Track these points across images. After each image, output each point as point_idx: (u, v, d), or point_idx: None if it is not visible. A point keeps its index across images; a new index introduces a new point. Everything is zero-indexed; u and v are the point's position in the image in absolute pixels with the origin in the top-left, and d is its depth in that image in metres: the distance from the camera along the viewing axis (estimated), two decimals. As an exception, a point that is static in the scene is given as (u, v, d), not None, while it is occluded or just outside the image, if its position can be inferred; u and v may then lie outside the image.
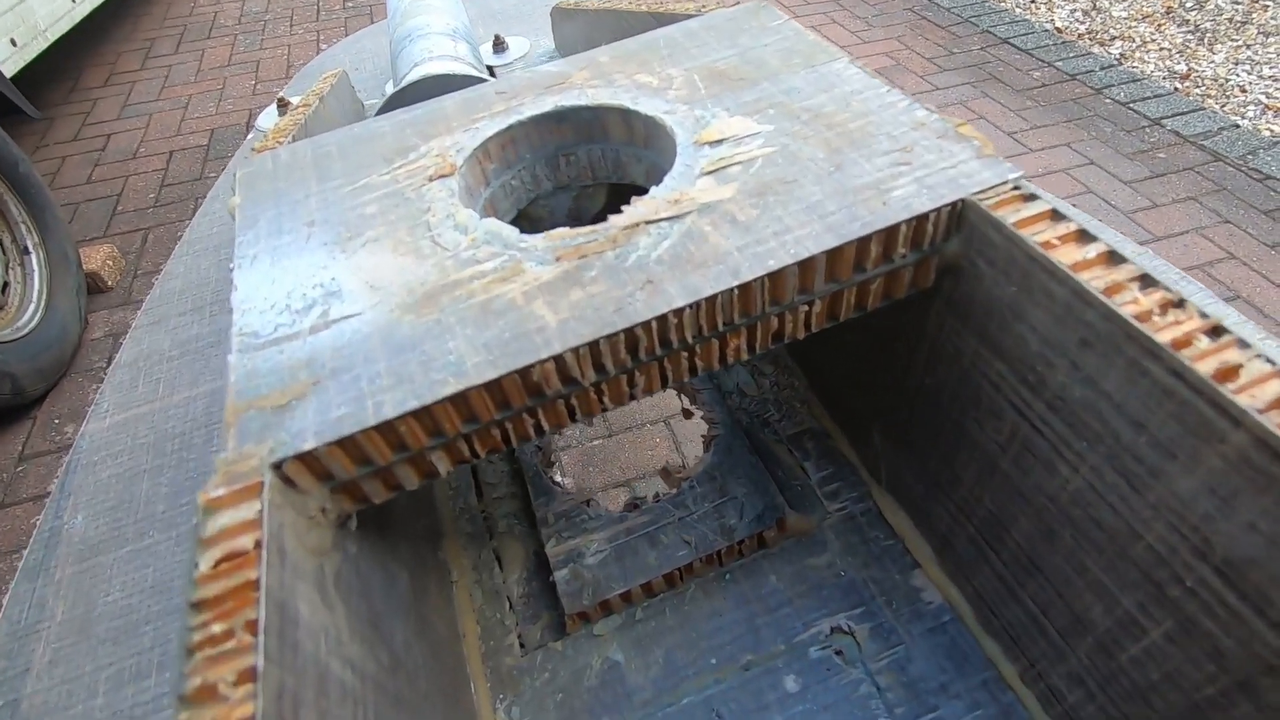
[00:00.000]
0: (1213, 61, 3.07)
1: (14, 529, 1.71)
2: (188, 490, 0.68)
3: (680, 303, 0.34)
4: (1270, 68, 3.00)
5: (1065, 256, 0.33)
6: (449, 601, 0.55)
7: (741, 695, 0.49)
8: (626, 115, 0.49)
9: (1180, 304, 0.30)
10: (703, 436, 0.63)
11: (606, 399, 0.37)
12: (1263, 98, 2.81)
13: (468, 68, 0.83)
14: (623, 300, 0.35)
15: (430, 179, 0.45)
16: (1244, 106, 2.79)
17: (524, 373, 0.34)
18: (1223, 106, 2.80)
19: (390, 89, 0.91)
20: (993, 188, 0.37)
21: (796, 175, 0.40)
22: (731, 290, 0.35)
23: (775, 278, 0.36)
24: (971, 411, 0.43)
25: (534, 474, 0.61)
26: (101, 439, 0.73)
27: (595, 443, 1.69)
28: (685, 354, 0.37)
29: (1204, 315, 0.29)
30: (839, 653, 0.50)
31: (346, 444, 0.32)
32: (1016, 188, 0.37)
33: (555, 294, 0.36)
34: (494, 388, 0.34)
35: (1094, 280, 0.32)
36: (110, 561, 0.63)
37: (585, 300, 0.35)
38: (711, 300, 0.35)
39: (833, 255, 0.36)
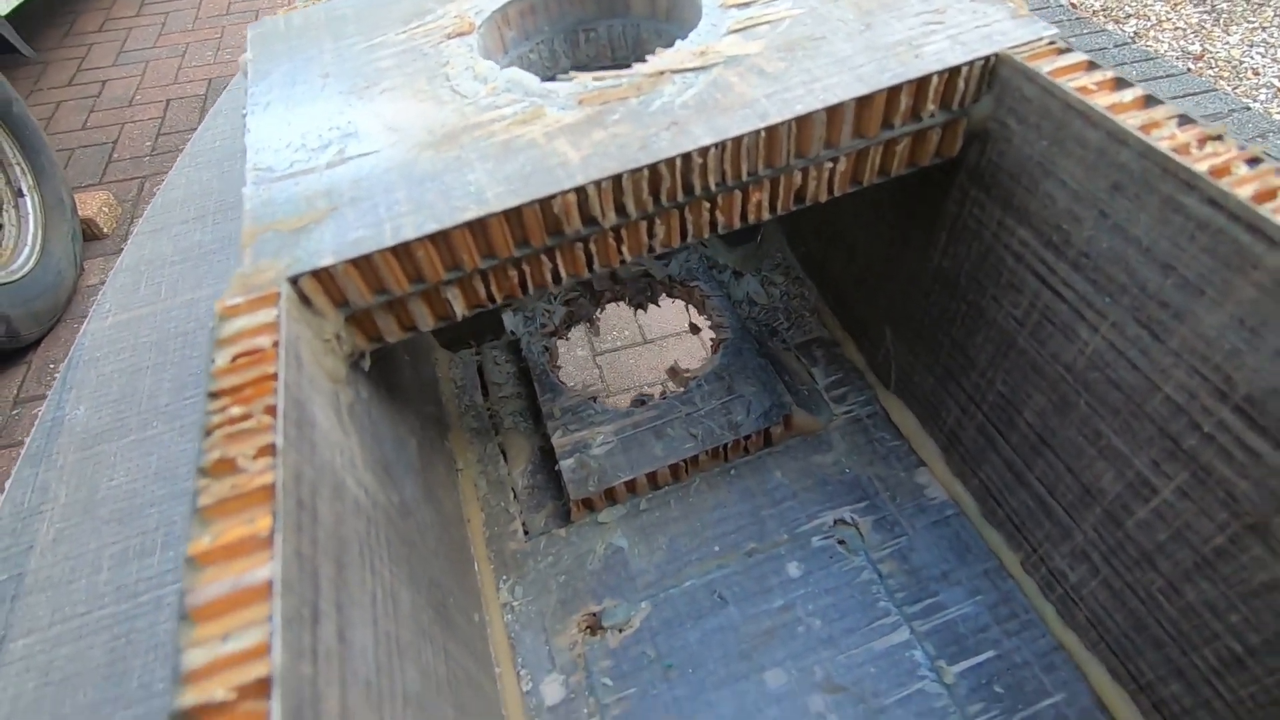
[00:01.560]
0: (1227, 43, 3.04)
1: (9, 471, 1.71)
2: (192, 385, 0.68)
3: (706, 141, 0.34)
4: (1285, 51, 2.97)
5: (1102, 101, 0.33)
6: (454, 486, 0.55)
7: (744, 579, 0.49)
8: (650, -15, 0.48)
9: (1219, 138, 0.30)
10: (711, 340, 0.63)
11: (625, 247, 0.37)
12: (1276, 81, 2.79)
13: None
14: (647, 139, 0.34)
15: (448, 36, 0.44)
16: (1256, 89, 2.77)
17: (545, 204, 0.33)
18: (1235, 89, 2.78)
19: None
20: (1027, 44, 0.37)
21: (826, 34, 0.39)
22: (758, 133, 0.34)
23: (802, 123, 0.35)
24: (990, 289, 0.42)
25: (541, 372, 0.61)
26: (104, 336, 0.73)
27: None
28: (707, 203, 0.37)
29: (1242, 147, 0.29)
30: (841, 542, 0.51)
31: (363, 265, 0.32)
32: (1052, 43, 0.36)
33: (578, 134, 0.35)
34: (514, 218, 0.33)
35: (1130, 120, 0.31)
36: (114, 450, 0.63)
37: (609, 139, 0.35)
38: (737, 141, 0.34)
39: (861, 104, 0.36)
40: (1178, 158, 0.29)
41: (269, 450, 0.24)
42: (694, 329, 0.70)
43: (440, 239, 0.32)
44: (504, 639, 0.48)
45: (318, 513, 0.26)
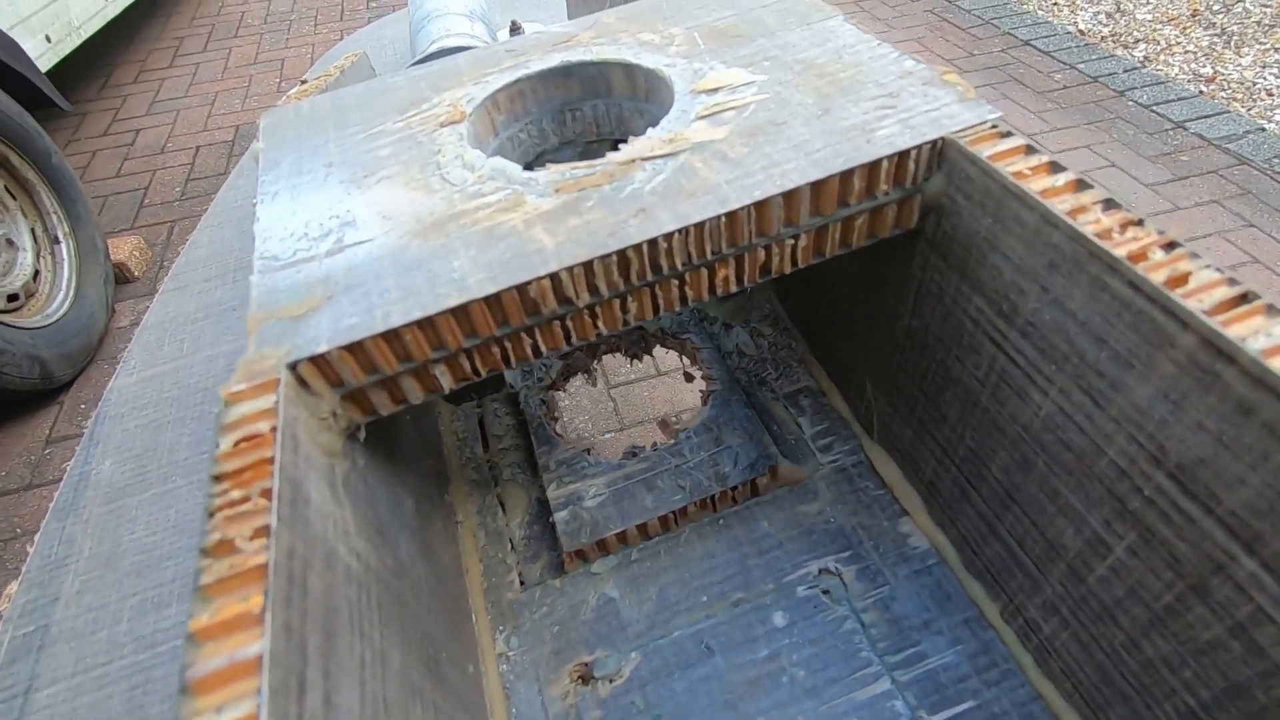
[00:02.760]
0: (1239, 65, 3.04)
1: (41, 510, 1.77)
2: (210, 440, 0.71)
3: (670, 228, 0.37)
4: (1298, 72, 2.96)
5: (1035, 184, 0.35)
6: (454, 539, 0.57)
7: (730, 629, 0.51)
8: (629, 70, 0.51)
9: (1139, 223, 0.32)
10: (701, 392, 0.65)
11: (601, 322, 0.40)
12: (1290, 101, 2.77)
13: (483, 42, 0.86)
14: (617, 226, 0.37)
15: (441, 125, 0.48)
16: (1271, 110, 2.76)
17: (522, 289, 0.36)
18: (1249, 110, 2.77)
19: (410, 66, 0.94)
20: (972, 127, 0.39)
21: (786, 118, 0.42)
22: (719, 218, 0.37)
23: (761, 207, 0.38)
24: (954, 350, 0.44)
25: (537, 424, 0.64)
26: (129, 393, 0.77)
27: (607, 436, 1.72)
28: (676, 281, 0.40)
29: (1160, 232, 0.31)
30: (826, 592, 0.52)
31: (355, 350, 0.35)
32: (994, 126, 0.39)
33: (554, 221, 0.38)
34: (494, 302, 0.36)
35: (1061, 204, 0.34)
36: (135, 504, 0.66)
37: (581, 226, 0.38)
38: (700, 226, 0.37)
39: (817, 187, 0.38)
40: (1100, 242, 0.31)
41: (264, 531, 0.27)
42: (688, 377, 0.72)
43: (426, 323, 0.35)
44: (499, 689, 0.50)
45: (308, 586, 0.28)
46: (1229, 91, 2.86)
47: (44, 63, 2.79)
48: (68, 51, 2.96)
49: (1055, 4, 3.60)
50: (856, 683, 0.48)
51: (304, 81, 1.05)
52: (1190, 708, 0.34)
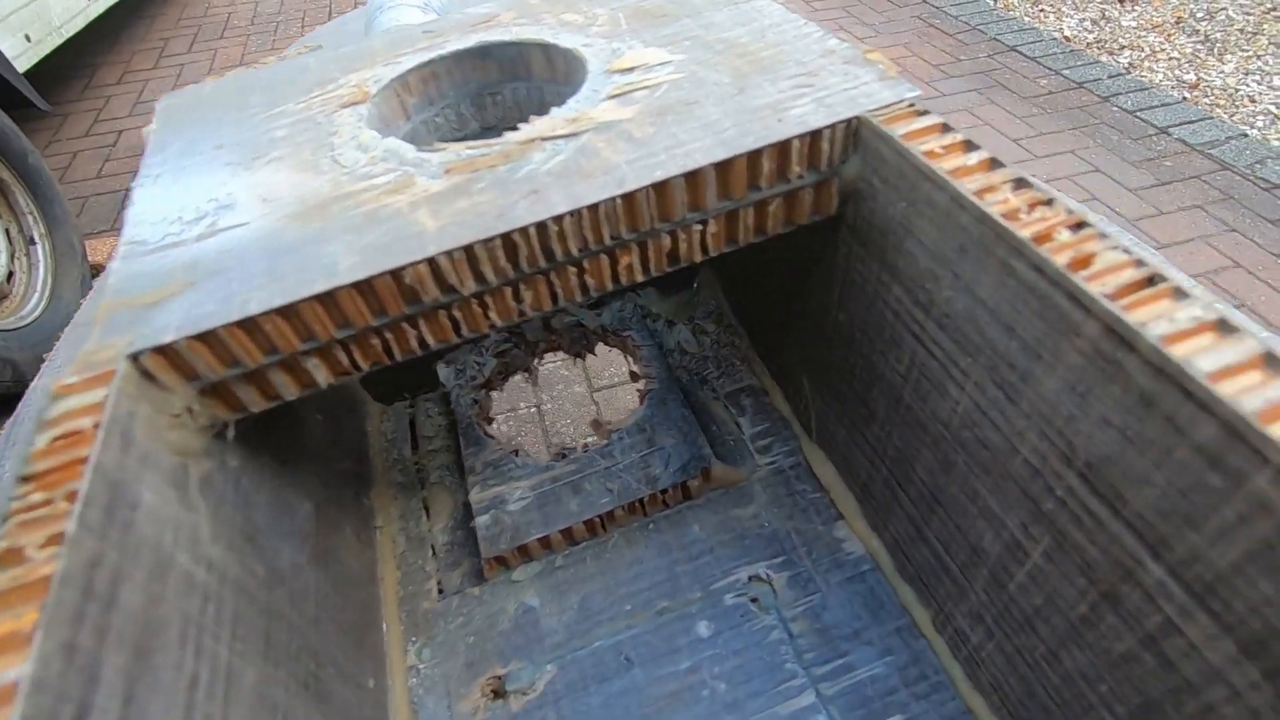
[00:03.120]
0: (1222, 71, 3.05)
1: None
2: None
3: (562, 209, 0.34)
4: (1280, 78, 2.97)
5: (947, 164, 0.32)
6: (369, 544, 0.54)
7: (653, 639, 0.48)
8: (547, 50, 0.49)
9: (1049, 202, 0.29)
10: (638, 390, 0.63)
11: (493, 313, 0.37)
12: (1273, 108, 2.78)
13: (431, 35, 0.83)
14: (506, 208, 0.35)
15: (343, 106, 0.45)
16: (1253, 116, 2.76)
17: (396, 275, 0.33)
18: (1231, 116, 2.77)
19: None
20: (888, 106, 0.37)
21: (699, 98, 0.40)
22: (614, 200, 0.35)
23: (661, 189, 0.35)
24: (878, 344, 0.42)
25: (467, 425, 0.61)
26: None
27: (591, 439, 1.69)
28: (574, 269, 0.37)
29: (1070, 212, 0.29)
30: (754, 600, 0.49)
31: (209, 339, 0.32)
32: (911, 105, 0.36)
33: (440, 203, 0.36)
34: (365, 290, 0.33)
35: (970, 184, 0.31)
36: None
37: (469, 209, 0.35)
38: (594, 209, 0.35)
39: (722, 169, 0.36)
40: (1005, 223, 0.29)
41: (58, 539, 0.24)
42: (634, 376, 0.70)
43: (290, 312, 0.33)
44: (405, 705, 0.47)
45: (117, 600, 0.25)
46: (1212, 98, 2.86)
47: (23, 62, 2.76)
48: (48, 51, 2.93)
49: (1041, 10, 3.61)
50: (780, 696, 0.45)
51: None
52: (1112, 727, 0.32)
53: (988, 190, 0.31)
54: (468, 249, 0.34)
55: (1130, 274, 0.26)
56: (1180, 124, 2.72)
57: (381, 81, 0.47)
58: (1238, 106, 2.80)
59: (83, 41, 3.49)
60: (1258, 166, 2.48)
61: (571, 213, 0.34)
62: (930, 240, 0.34)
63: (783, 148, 0.36)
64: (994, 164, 0.32)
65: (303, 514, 0.43)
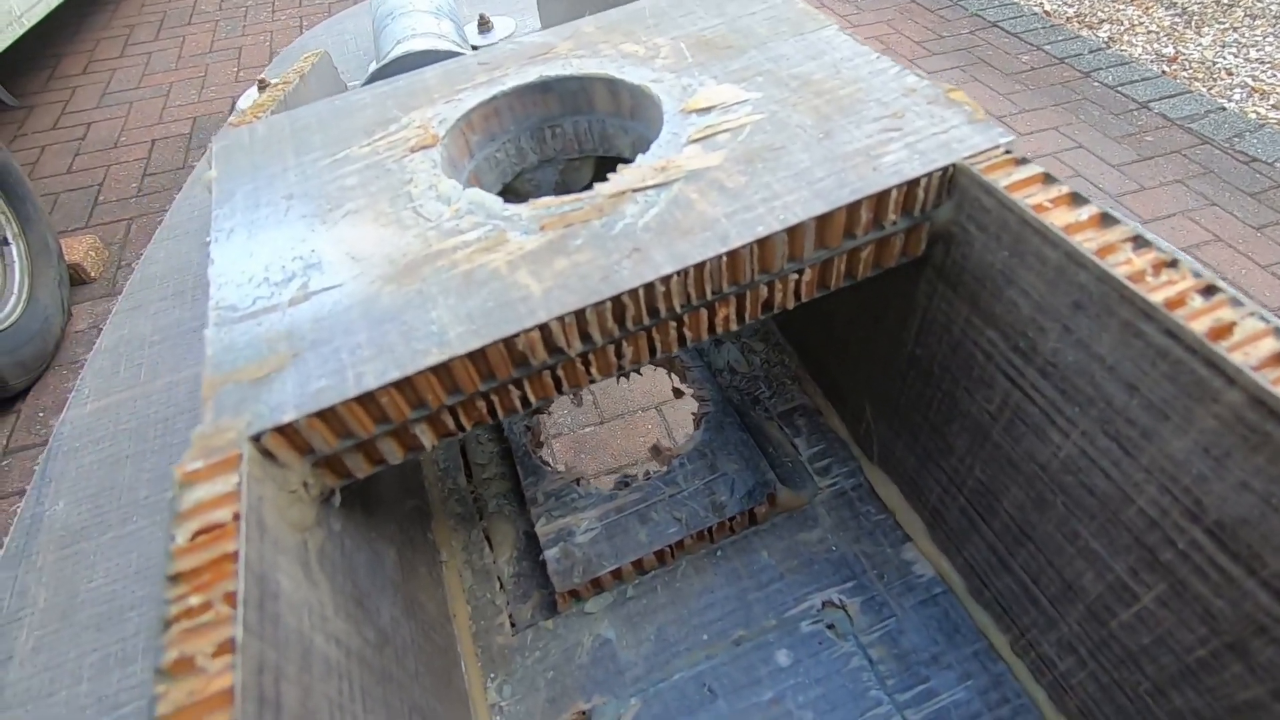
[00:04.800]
0: (1200, 44, 3.08)
1: (3, 524, 1.69)
2: (170, 483, 0.67)
3: (668, 270, 0.34)
4: (1257, 50, 3.01)
5: (1058, 219, 0.33)
6: (439, 582, 0.54)
7: (733, 670, 0.49)
8: (612, 85, 0.48)
9: (1174, 264, 0.30)
10: (693, 414, 0.63)
11: (594, 369, 0.37)
12: (1249, 80, 2.82)
13: (451, 45, 0.81)
14: (609, 268, 0.34)
15: (412, 150, 0.44)
16: (1230, 89, 2.80)
17: (509, 342, 0.33)
18: (1210, 89, 2.81)
19: (374, 69, 0.89)
20: (984, 152, 0.37)
21: (785, 142, 0.40)
22: (720, 258, 0.34)
23: (764, 245, 0.35)
24: (963, 381, 0.42)
25: (523, 454, 0.61)
26: (82, 425, 0.72)
27: (587, 430, 1.69)
28: (674, 323, 0.37)
29: (1197, 275, 0.29)
30: (830, 626, 0.50)
31: (327, 415, 0.31)
32: (1008, 152, 0.37)
33: (540, 263, 0.35)
34: (478, 357, 0.33)
35: (1087, 242, 0.31)
36: (93, 548, 0.62)
37: (570, 269, 0.35)
38: (700, 268, 0.34)
39: (822, 221, 0.36)
40: (1134, 286, 0.29)
41: (228, 647, 0.24)
42: (677, 393, 0.70)
43: (404, 383, 0.32)
44: (493, 744, 0.47)
45: (281, 701, 0.25)
46: (1190, 71, 2.90)
47: (-20, 57, 2.64)
48: (10, 42, 2.81)
49: (1022, -16, 3.61)
50: (866, 724, 0.46)
51: (262, 85, 1.00)
52: (1220, 761, 0.33)
53: (1108, 250, 0.31)
54: (578, 313, 0.33)
55: (1272, 344, 0.26)
56: (1160, 98, 2.76)
57: (447, 122, 0.46)
58: (1216, 80, 2.83)
59: (45, 31, 3.35)
60: (1236, 140, 2.53)
61: (678, 272, 0.34)
62: (1037, 293, 0.34)
63: (881, 198, 0.36)
64: (1106, 219, 0.32)
65: (389, 563, 0.43)
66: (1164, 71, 2.94)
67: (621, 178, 0.39)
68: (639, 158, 0.40)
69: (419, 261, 0.37)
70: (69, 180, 2.79)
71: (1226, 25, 3.20)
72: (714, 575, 0.54)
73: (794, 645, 0.50)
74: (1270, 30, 3.14)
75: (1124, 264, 0.30)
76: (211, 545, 0.27)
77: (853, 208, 0.36)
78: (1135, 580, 0.34)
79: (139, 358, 0.78)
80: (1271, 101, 2.74)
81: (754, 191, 0.37)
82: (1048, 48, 3.11)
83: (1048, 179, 0.35)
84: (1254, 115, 2.66)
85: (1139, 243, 0.31)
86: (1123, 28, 3.26)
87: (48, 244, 2.19)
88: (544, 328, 0.33)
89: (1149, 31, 3.24)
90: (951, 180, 0.37)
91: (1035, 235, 0.33)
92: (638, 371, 0.69)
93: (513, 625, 0.53)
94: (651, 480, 0.57)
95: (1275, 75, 2.87)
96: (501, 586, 0.56)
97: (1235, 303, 0.28)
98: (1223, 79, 2.91)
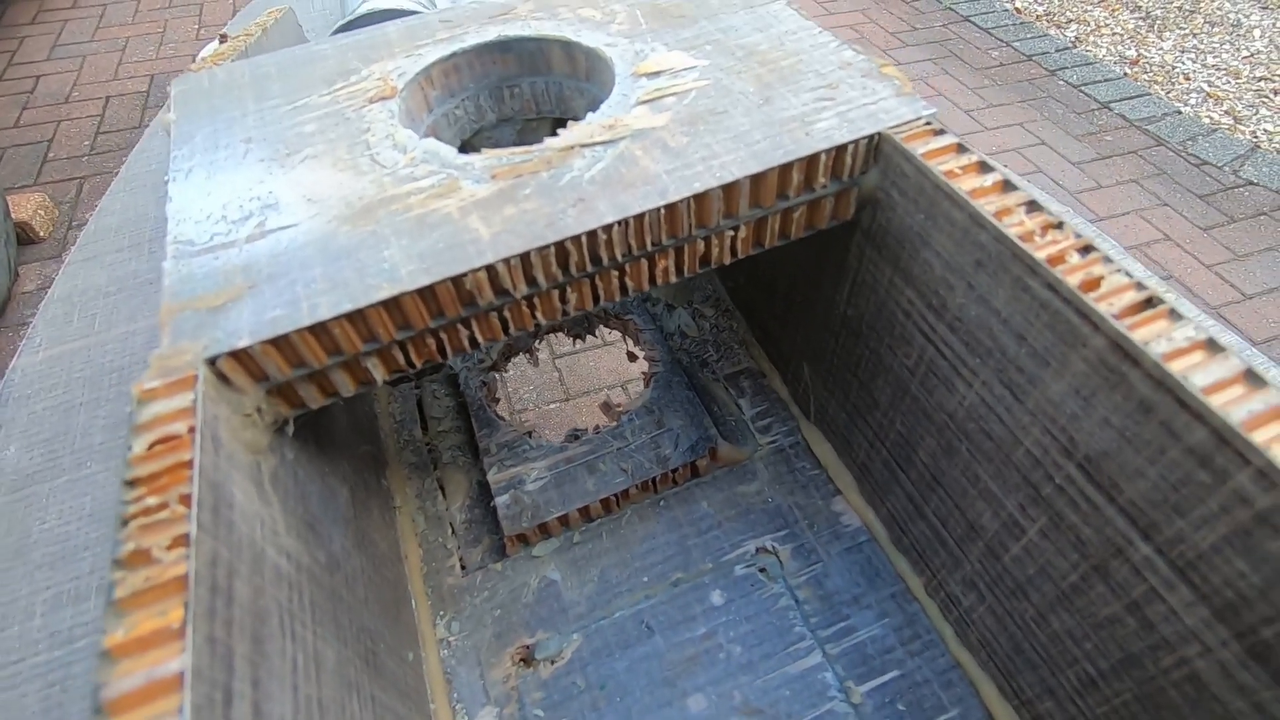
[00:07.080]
0: (1161, 48, 3.17)
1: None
2: (127, 423, 0.68)
3: (610, 219, 0.36)
4: (1213, 56, 3.11)
5: (965, 184, 0.36)
6: (391, 525, 0.56)
7: (670, 608, 0.52)
8: (568, 47, 0.50)
9: (1059, 226, 0.33)
10: (642, 374, 0.65)
11: (539, 313, 0.39)
12: (1205, 86, 2.92)
13: (418, 5, 0.82)
14: (555, 216, 0.37)
15: (371, 101, 0.45)
16: (1187, 94, 2.90)
17: (457, 281, 0.35)
18: (1168, 93, 2.90)
19: (340, 25, 0.89)
20: (907, 123, 0.40)
21: (727, 107, 0.42)
22: (659, 210, 0.37)
23: (701, 200, 0.38)
24: (886, 339, 0.46)
25: (478, 407, 0.63)
26: (34, 372, 0.72)
27: (552, 406, 1.71)
28: (616, 272, 0.39)
29: (1078, 235, 0.32)
30: (763, 570, 0.54)
31: (281, 343, 0.33)
32: (929, 123, 0.40)
33: (490, 209, 0.37)
34: (427, 294, 0.35)
35: (988, 205, 0.35)
36: (46, 490, 0.63)
37: (519, 215, 0.37)
38: (640, 219, 0.37)
39: (756, 180, 0.38)
40: (1023, 244, 0.32)
41: (183, 540, 0.26)
42: (631, 356, 0.72)
43: (356, 316, 0.34)
44: (439, 675, 0.50)
45: (233, 594, 0.27)
46: (1150, 74, 2.99)
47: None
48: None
49: (994, -20, 3.66)
50: (789, 657, 0.49)
51: (223, 38, 0.99)
52: (1090, 675, 0.37)
53: (1005, 212, 0.34)
54: (523, 256, 0.35)
55: (1132, 296, 0.30)
56: (1121, 99, 2.85)
57: (406, 75, 0.47)
58: (1174, 83, 2.93)
59: (-8, -23, 3.20)
60: (1189, 143, 2.62)
61: (619, 222, 0.36)
62: (947, 252, 0.38)
63: (811, 161, 0.39)
64: (1007, 186, 0.36)
65: (342, 499, 0.45)
66: (1126, 73, 3.03)
67: (571, 133, 0.41)
68: (589, 115, 0.42)
69: (374, 205, 0.38)
70: (16, 135, 2.69)
71: (1187, 31, 3.30)
72: (656, 523, 0.57)
73: (727, 587, 0.53)
74: (1227, 38, 3.24)
75: (1016, 225, 0.33)
76: (167, 455, 0.29)
77: (785, 169, 0.39)
78: (1023, 515, 0.38)
79: (93, 308, 0.78)
80: (1225, 107, 2.84)
81: (695, 151, 0.39)
82: (1016, 44, 3.18)
83: (960, 148, 0.38)
84: (1208, 120, 2.75)
85: (1031, 206, 0.34)
86: (1089, 28, 3.34)
87: (-7, 200, 2.12)
88: (491, 269, 0.35)
89: (1114, 33, 3.32)
90: (877, 148, 0.40)
91: (946, 199, 0.36)
92: (591, 333, 0.72)
93: (463, 567, 0.56)
94: (601, 434, 0.60)
95: (1230, 82, 2.97)
96: (453, 531, 0.58)
97: (1106, 260, 0.31)
98: (1181, 83, 3.00)
